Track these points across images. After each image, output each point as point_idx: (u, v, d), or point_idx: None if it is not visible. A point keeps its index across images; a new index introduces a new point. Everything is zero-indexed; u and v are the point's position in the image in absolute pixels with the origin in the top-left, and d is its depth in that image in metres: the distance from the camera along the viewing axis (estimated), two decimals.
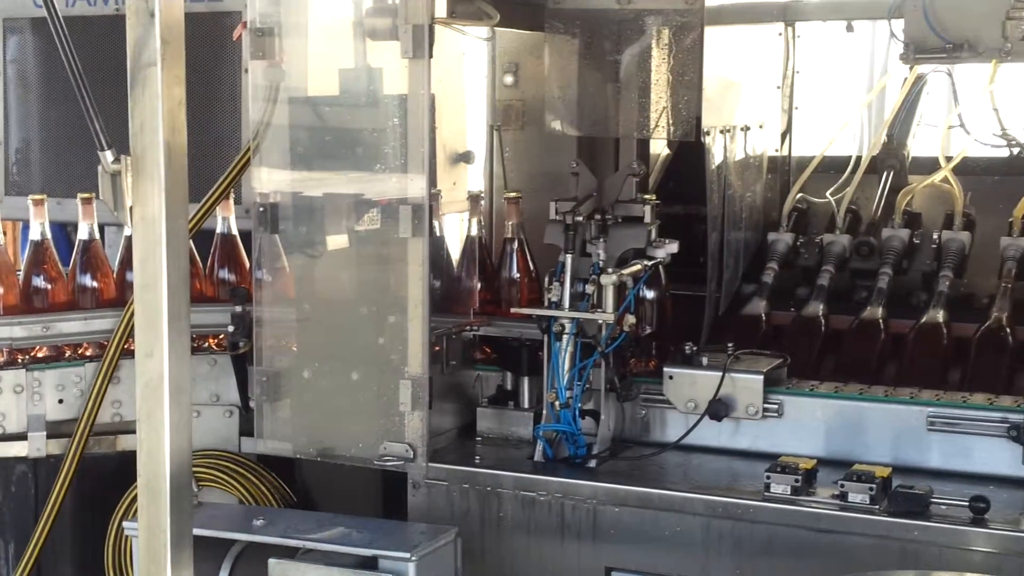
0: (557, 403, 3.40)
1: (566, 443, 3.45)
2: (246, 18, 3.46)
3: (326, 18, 3.57)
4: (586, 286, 3.38)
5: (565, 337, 3.40)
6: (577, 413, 3.41)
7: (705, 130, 3.66)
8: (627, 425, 3.58)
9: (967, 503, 3.00)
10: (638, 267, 3.47)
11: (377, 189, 3.42)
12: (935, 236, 3.97)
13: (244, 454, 3.86)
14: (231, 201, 3.89)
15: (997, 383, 3.47)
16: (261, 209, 3.51)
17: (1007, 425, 3.22)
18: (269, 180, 3.56)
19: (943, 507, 3.03)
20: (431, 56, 3.24)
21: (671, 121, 3.62)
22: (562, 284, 3.40)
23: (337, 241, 3.59)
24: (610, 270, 3.37)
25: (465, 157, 4.38)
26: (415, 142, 3.30)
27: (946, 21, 3.78)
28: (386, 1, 3.33)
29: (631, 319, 3.41)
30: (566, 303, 3.40)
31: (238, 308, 3.71)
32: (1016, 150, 4.26)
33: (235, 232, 3.92)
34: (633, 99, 3.68)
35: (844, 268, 4.03)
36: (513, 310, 3.58)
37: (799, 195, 4.20)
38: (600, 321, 3.37)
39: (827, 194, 4.11)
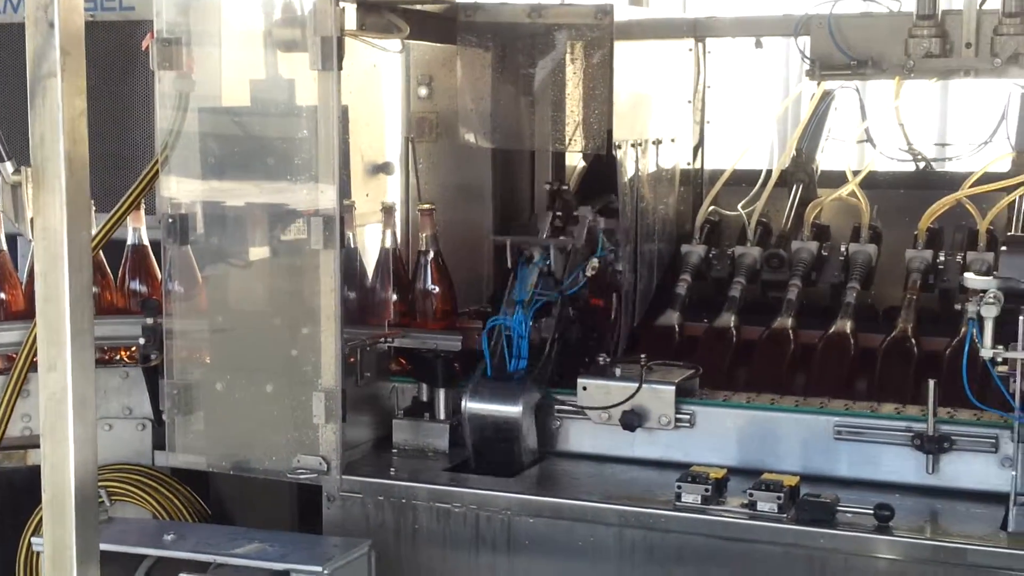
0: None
1: (508, 359, 3.50)
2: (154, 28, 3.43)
3: (237, 28, 3.55)
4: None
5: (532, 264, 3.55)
6: (529, 322, 3.49)
7: (616, 144, 3.69)
8: (544, 436, 3.59)
9: (872, 511, 3.06)
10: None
11: (289, 200, 3.40)
12: (843, 248, 4.04)
13: (157, 468, 3.80)
14: (141, 212, 3.84)
15: (903, 392, 3.54)
16: (170, 220, 3.47)
17: (911, 434, 3.29)
18: (179, 191, 3.53)
19: (849, 515, 3.09)
20: (340, 68, 3.24)
21: (583, 134, 3.66)
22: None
23: (249, 252, 3.56)
24: None
25: (384, 168, 4.37)
26: (325, 153, 3.29)
27: (851, 39, 3.86)
28: (295, 12, 3.32)
29: (595, 262, 3.47)
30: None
31: (149, 320, 3.67)
32: (921, 164, 4.38)
33: (146, 243, 3.87)
34: (546, 112, 3.71)
35: (755, 280, 4.09)
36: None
37: (711, 208, 4.25)
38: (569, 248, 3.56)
39: (739, 207, 4.17)
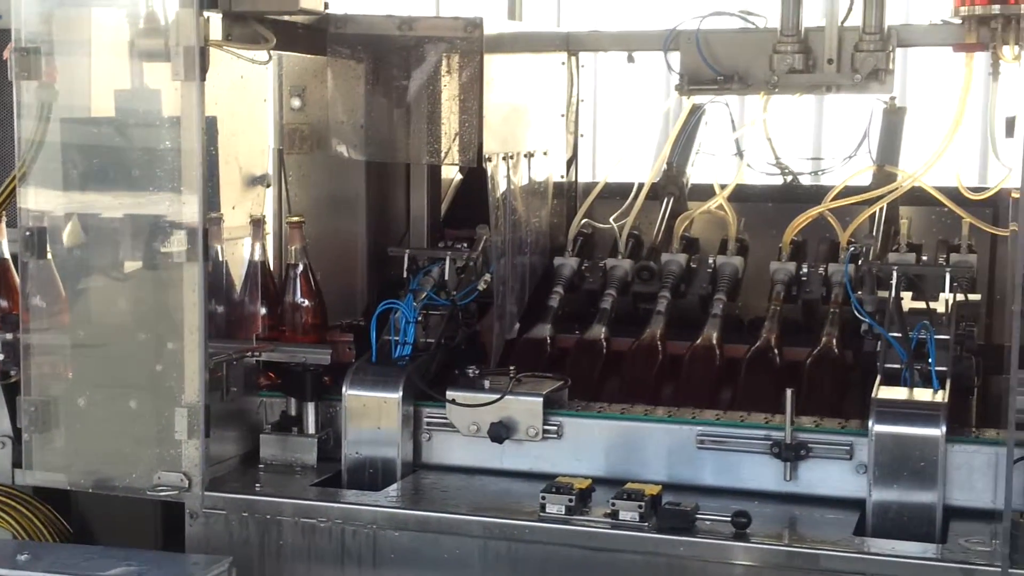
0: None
1: (394, 344, 3.52)
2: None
3: (102, 37, 3.49)
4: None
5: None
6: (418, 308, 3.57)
7: (487, 156, 3.71)
8: (414, 449, 3.59)
9: (730, 518, 3.11)
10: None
11: (153, 212, 3.36)
12: (711, 260, 4.12)
13: (18, 486, 3.71)
14: (3, 224, 3.74)
15: (765, 402, 3.61)
16: (28, 233, 3.40)
17: (770, 442, 3.36)
18: (40, 203, 3.46)
19: (708, 523, 3.13)
20: (204, 79, 3.21)
21: (454, 147, 3.67)
22: None
23: (113, 266, 3.50)
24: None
25: (262, 180, 4.33)
26: (188, 165, 3.25)
27: (718, 54, 3.95)
28: (159, 22, 3.28)
29: (488, 277, 3.54)
30: None
31: (8, 336, 3.58)
32: (789, 178, 4.48)
33: (7, 256, 3.77)
34: (417, 125, 3.72)
35: (627, 292, 4.14)
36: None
37: (584, 220, 4.30)
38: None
39: (610, 220, 4.22)
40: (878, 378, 3.35)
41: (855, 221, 3.98)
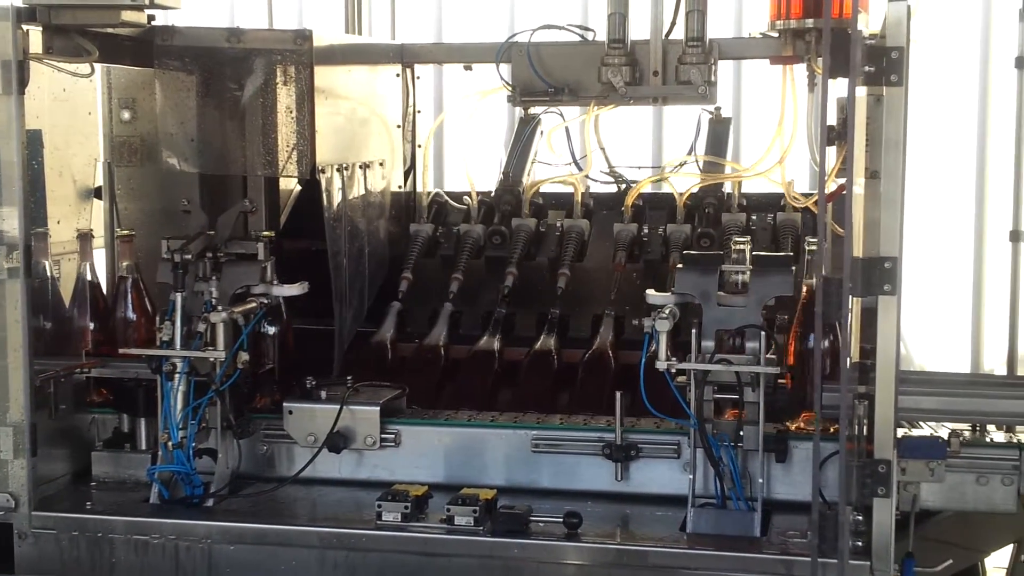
0: (170, 443, 3.36)
1: (182, 483, 3.41)
2: None
3: None
4: (198, 324, 3.37)
5: (177, 376, 3.36)
6: (191, 453, 3.38)
7: (320, 168, 3.72)
8: (251, 462, 3.58)
9: (562, 519, 3.19)
10: (252, 304, 3.48)
11: None
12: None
13: None
14: None
15: (600, 405, 3.70)
16: None
17: (602, 444, 3.44)
18: None
19: (541, 524, 3.20)
20: (22, 92, 3.15)
21: (286, 159, 3.67)
22: (173, 323, 3.36)
23: None
24: (220, 308, 3.37)
25: (92, 194, 4.25)
26: (9, 179, 3.19)
27: (549, 66, 4.04)
28: None
29: (244, 356, 3.42)
30: (177, 342, 3.37)
31: None
32: (623, 186, 4.59)
33: None
34: (249, 136, 3.69)
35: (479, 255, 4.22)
36: (122, 350, 3.51)
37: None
38: (212, 359, 3.37)
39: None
40: None
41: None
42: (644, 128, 6.36)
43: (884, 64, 2.87)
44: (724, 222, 4.19)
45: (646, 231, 4.21)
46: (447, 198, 4.45)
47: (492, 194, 4.40)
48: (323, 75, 3.70)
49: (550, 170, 4.45)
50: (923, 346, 5.80)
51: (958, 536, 3.60)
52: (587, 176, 4.47)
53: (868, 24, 3.49)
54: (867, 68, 2.78)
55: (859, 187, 3.10)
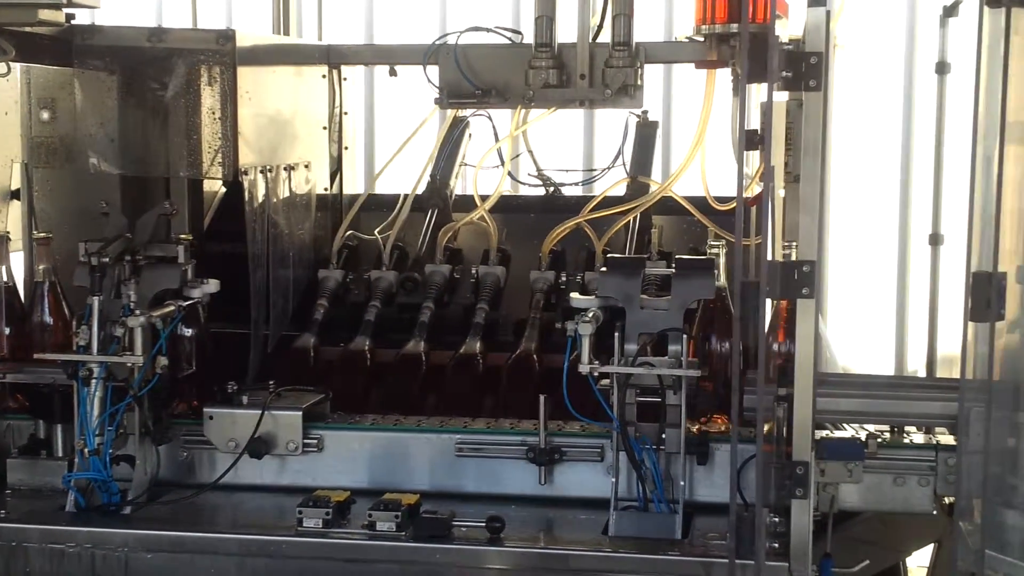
0: (87, 450, 3.30)
1: (99, 491, 3.35)
2: None
3: None
4: (116, 329, 3.31)
5: (94, 381, 3.31)
6: (108, 459, 3.32)
7: (243, 169, 3.68)
8: (170, 468, 3.53)
9: (484, 524, 3.18)
10: (171, 308, 3.43)
11: None
12: (474, 271, 4.19)
13: None
14: None
15: (525, 409, 3.69)
16: None
17: (526, 447, 3.44)
18: None
19: (464, 529, 3.19)
20: None
21: (208, 160, 3.63)
22: (90, 327, 3.31)
23: None
24: (138, 312, 3.32)
25: (16, 195, 4.17)
26: None
27: (476, 68, 4.02)
28: None
29: (163, 361, 3.37)
30: (95, 347, 3.31)
31: None
32: (551, 189, 4.60)
33: None
34: (171, 137, 3.65)
35: (391, 303, 4.17)
36: (37, 355, 3.44)
37: (349, 232, 4.31)
38: (130, 364, 3.31)
39: (375, 232, 4.25)
40: None
41: (610, 231, 4.12)
42: (576, 132, 6.38)
43: (803, 69, 2.90)
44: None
45: (564, 278, 4.08)
46: (359, 239, 4.30)
47: (419, 196, 4.37)
48: (247, 76, 3.66)
49: (483, 182, 4.38)
50: (848, 348, 5.86)
51: (879, 536, 3.65)
52: (510, 175, 4.45)
53: (788, 29, 3.51)
54: (784, 73, 2.80)
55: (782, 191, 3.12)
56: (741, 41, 2.72)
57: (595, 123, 6.48)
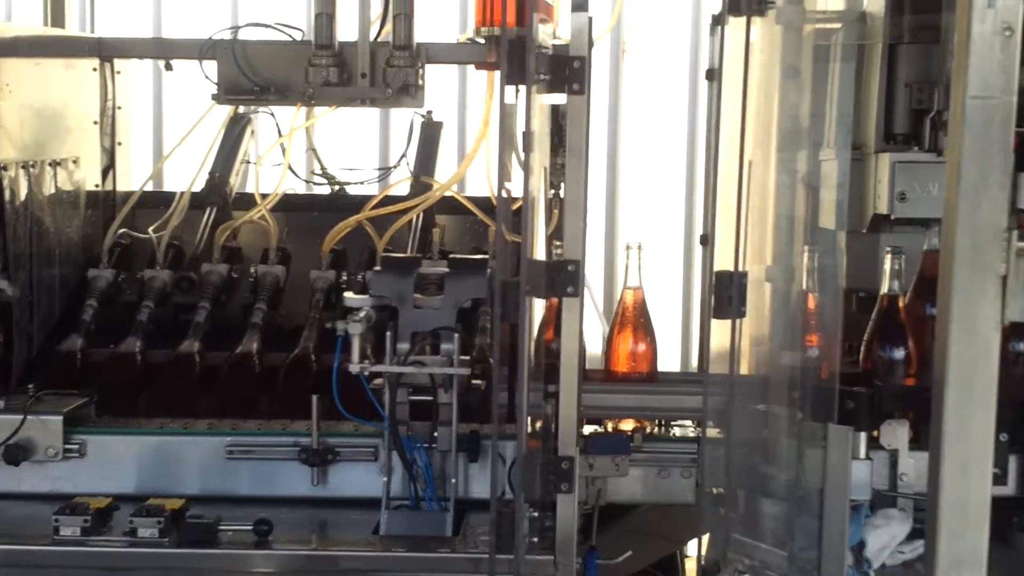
0: None
1: None
2: None
3: None
4: None
5: None
6: None
7: (3, 165, 3.52)
8: None
9: (252, 527, 3.12)
10: None
11: None
12: (252, 270, 4.11)
13: None
14: None
15: (303, 410, 3.64)
16: None
17: (299, 448, 3.40)
18: None
19: (231, 533, 3.13)
20: None
21: None
22: None
23: None
24: None
25: None
26: None
27: (256, 65, 3.94)
28: None
29: None
30: None
31: None
32: (336, 188, 4.57)
33: None
34: None
35: (166, 303, 4.06)
36: None
37: (122, 231, 4.18)
38: None
39: (150, 230, 4.13)
40: None
41: (391, 229, 4.11)
42: (371, 132, 6.35)
43: (567, 73, 2.95)
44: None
45: (344, 277, 4.06)
46: (132, 237, 4.17)
47: (198, 194, 4.27)
48: (7, 68, 3.51)
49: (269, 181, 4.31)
50: None
51: (655, 528, 3.76)
52: (292, 171, 4.39)
53: (556, 32, 3.57)
54: (542, 76, 2.84)
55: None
56: (501, 43, 2.75)
57: (391, 123, 6.47)
